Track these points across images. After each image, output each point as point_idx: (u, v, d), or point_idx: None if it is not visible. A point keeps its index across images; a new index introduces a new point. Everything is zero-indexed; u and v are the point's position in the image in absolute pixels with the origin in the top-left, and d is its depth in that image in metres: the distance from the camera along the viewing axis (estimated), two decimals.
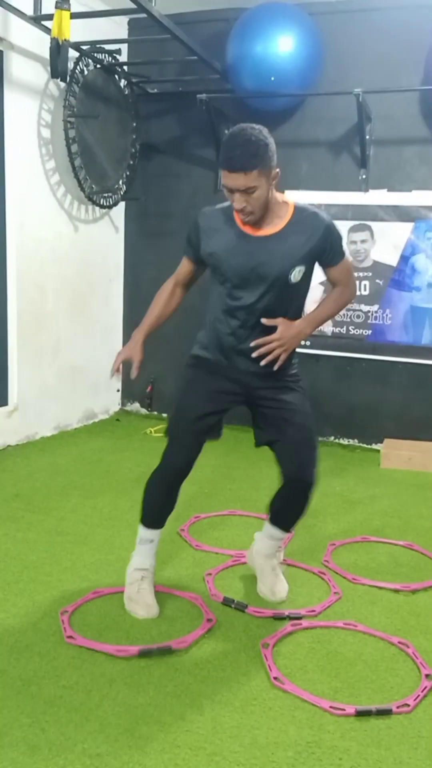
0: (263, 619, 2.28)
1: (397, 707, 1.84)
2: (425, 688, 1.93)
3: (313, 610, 2.35)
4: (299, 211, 2.18)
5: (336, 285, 2.30)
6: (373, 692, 1.93)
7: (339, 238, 2.24)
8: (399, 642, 2.16)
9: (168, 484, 2.30)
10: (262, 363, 2.17)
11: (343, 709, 1.82)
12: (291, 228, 2.15)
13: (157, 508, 2.35)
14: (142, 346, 2.27)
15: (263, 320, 2.16)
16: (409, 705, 1.85)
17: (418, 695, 1.90)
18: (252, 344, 2.17)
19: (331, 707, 1.82)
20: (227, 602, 2.37)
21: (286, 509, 2.39)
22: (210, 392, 2.27)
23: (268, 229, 2.16)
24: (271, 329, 2.18)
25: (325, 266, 2.25)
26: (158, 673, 1.94)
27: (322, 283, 2.87)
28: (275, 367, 2.18)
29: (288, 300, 2.20)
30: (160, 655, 2.02)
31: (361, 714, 1.81)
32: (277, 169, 2.09)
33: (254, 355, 2.16)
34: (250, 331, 2.19)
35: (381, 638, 2.19)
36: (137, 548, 2.39)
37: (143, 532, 2.37)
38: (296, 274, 2.16)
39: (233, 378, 2.27)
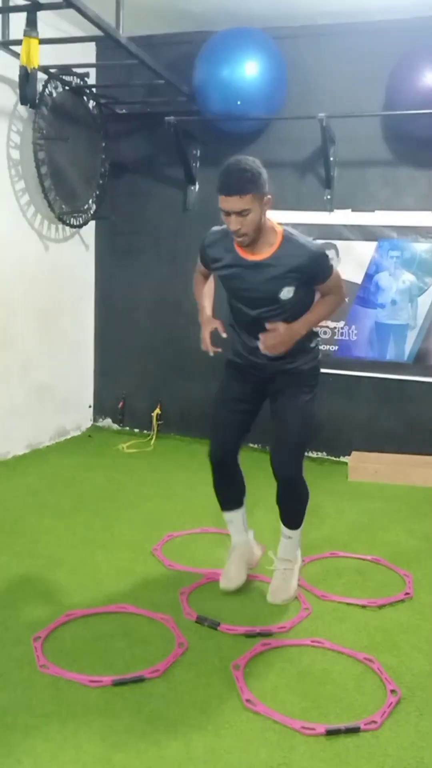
0: (236, 637, 2.34)
1: (365, 724, 1.91)
2: (390, 703, 2.01)
3: (284, 627, 2.42)
4: (287, 240, 2.38)
5: (326, 294, 2.52)
6: (341, 710, 1.99)
7: (325, 260, 2.46)
8: (365, 658, 2.24)
9: (216, 467, 2.65)
10: (264, 351, 2.42)
11: (314, 729, 1.88)
12: (279, 254, 2.36)
13: (219, 492, 2.71)
14: (213, 317, 2.60)
15: (267, 324, 2.41)
16: (376, 722, 1.92)
17: (384, 711, 1.98)
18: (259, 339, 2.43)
19: (302, 727, 1.88)
20: (200, 621, 2.43)
21: (279, 504, 2.63)
22: (239, 387, 2.62)
23: (259, 255, 2.39)
24: None
25: (316, 285, 2.49)
26: (132, 700, 1.98)
27: None
28: (275, 356, 2.43)
29: (285, 312, 2.43)
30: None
31: (330, 733, 1.87)
32: (269, 196, 2.30)
33: (260, 345, 2.42)
34: (257, 338, 2.49)
35: (348, 655, 2.27)
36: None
37: (224, 514, 2.74)
38: (285, 293, 2.40)
39: (254, 374, 2.57)
